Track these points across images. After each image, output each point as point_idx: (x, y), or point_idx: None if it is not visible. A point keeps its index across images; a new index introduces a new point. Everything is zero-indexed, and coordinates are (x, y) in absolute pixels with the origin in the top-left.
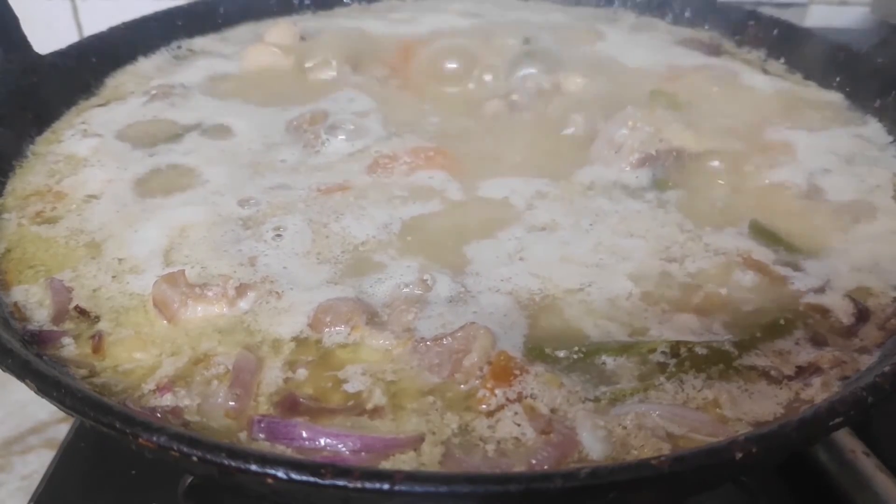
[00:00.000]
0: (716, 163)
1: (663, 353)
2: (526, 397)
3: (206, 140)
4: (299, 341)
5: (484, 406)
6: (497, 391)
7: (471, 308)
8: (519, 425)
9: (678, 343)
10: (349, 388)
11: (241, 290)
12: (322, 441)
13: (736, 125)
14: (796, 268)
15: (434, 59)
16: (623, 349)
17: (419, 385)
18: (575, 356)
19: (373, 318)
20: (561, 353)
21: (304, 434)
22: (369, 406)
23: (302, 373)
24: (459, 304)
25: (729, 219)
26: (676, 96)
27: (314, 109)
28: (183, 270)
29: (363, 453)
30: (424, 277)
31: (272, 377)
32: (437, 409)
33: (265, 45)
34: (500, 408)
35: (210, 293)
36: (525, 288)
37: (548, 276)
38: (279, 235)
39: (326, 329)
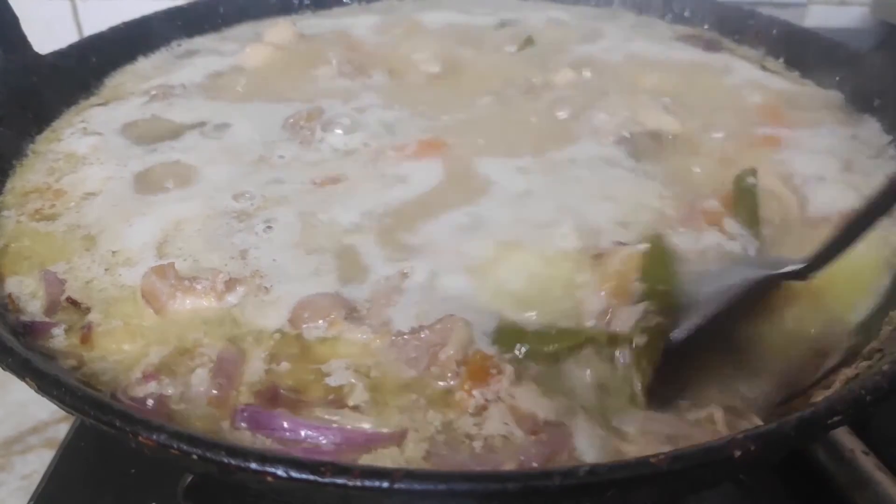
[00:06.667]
0: (692, 147)
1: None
2: (507, 398)
3: (204, 138)
4: (282, 334)
5: (466, 407)
6: (475, 392)
7: (448, 299)
8: (507, 424)
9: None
10: (331, 381)
11: (231, 284)
12: (303, 433)
13: (723, 115)
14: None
15: (433, 56)
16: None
17: (397, 379)
18: (551, 349)
19: (352, 313)
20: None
21: (286, 425)
22: (350, 401)
23: (285, 365)
24: (437, 294)
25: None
26: (665, 86)
27: (312, 107)
28: (172, 263)
29: (344, 446)
30: (405, 270)
31: (255, 368)
32: (420, 407)
33: (265, 44)
34: (484, 407)
35: (199, 286)
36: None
37: (527, 267)
38: (269, 228)
39: (305, 325)
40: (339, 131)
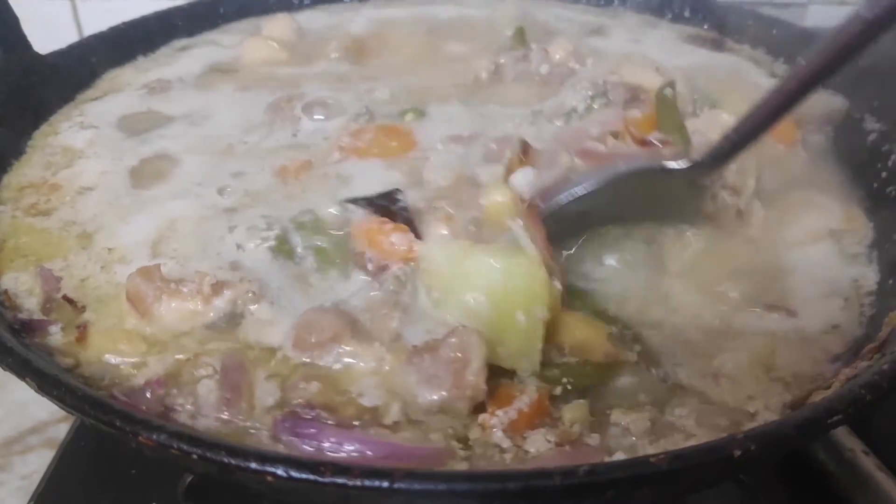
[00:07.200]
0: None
1: None
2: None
3: (198, 131)
4: (286, 357)
5: (492, 426)
6: (498, 412)
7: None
8: (549, 441)
9: None
10: (365, 401)
11: (217, 287)
12: (347, 445)
13: (717, 96)
14: None
15: (427, 45)
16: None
17: (428, 401)
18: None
19: (356, 328)
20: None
21: (330, 437)
22: (387, 420)
23: (315, 385)
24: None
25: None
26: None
27: (302, 96)
28: (158, 265)
29: (391, 460)
30: (397, 273)
31: (267, 388)
32: (458, 424)
33: (263, 38)
34: (517, 425)
35: (185, 289)
36: None
37: None
38: (259, 228)
39: (315, 352)
40: (319, 117)
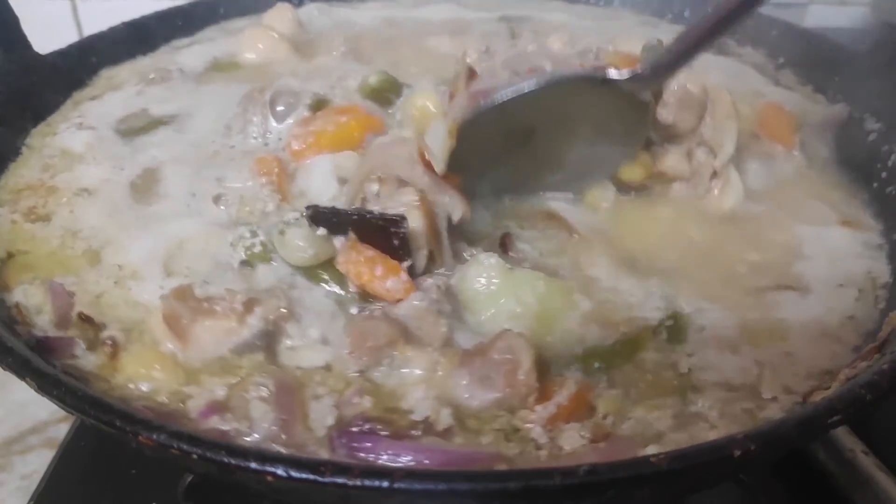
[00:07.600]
0: None
1: None
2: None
3: (185, 137)
4: (341, 374)
5: (530, 420)
6: (537, 407)
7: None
8: (583, 436)
9: None
10: (416, 416)
11: (249, 304)
12: (405, 456)
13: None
14: None
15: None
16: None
17: (482, 401)
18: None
19: (408, 334)
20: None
21: (387, 449)
22: (440, 426)
23: (368, 399)
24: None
25: None
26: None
27: (275, 86)
28: (191, 284)
29: (449, 468)
30: (438, 284)
31: (321, 407)
32: (507, 424)
33: (263, 28)
34: (556, 419)
35: (218, 307)
36: None
37: None
38: (244, 237)
39: (370, 358)
40: (281, 107)
